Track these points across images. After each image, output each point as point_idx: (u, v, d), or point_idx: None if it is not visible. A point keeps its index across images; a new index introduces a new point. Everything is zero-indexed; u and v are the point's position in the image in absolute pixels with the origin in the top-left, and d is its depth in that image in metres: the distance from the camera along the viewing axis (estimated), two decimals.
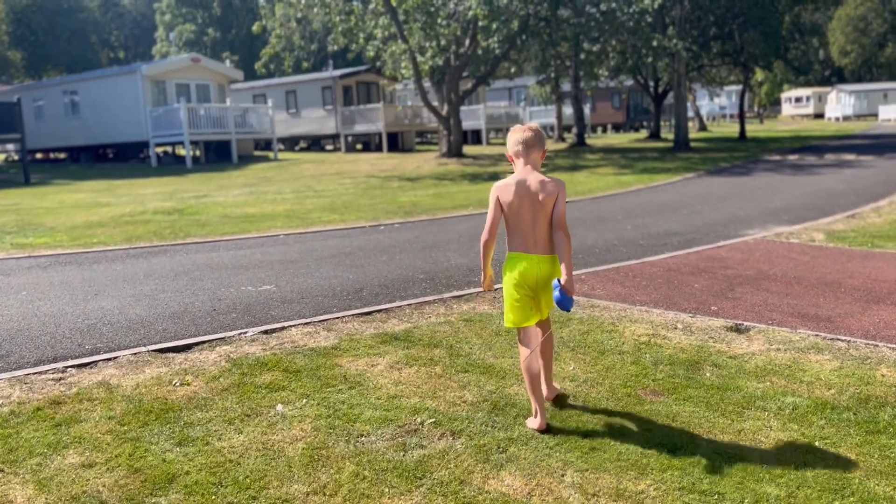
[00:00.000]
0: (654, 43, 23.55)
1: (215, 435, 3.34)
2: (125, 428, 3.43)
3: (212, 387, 3.94)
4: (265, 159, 26.83)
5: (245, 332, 4.93)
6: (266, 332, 4.95)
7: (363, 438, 3.29)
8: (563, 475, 2.94)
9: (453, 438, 3.28)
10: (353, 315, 5.33)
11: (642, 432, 3.32)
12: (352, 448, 3.19)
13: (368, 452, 3.14)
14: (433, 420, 3.47)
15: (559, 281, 3.29)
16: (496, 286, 3.99)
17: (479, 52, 23.47)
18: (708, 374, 4.05)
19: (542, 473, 2.95)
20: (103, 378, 4.10)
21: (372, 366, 4.24)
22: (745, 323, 4.92)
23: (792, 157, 21.29)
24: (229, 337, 4.84)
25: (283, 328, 5.03)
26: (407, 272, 6.88)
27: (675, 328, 4.90)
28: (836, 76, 77.62)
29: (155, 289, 6.40)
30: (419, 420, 3.47)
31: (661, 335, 4.75)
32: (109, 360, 4.42)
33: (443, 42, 21.68)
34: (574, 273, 6.55)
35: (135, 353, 4.52)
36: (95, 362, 4.38)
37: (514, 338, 4.68)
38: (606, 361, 4.27)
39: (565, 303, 3.24)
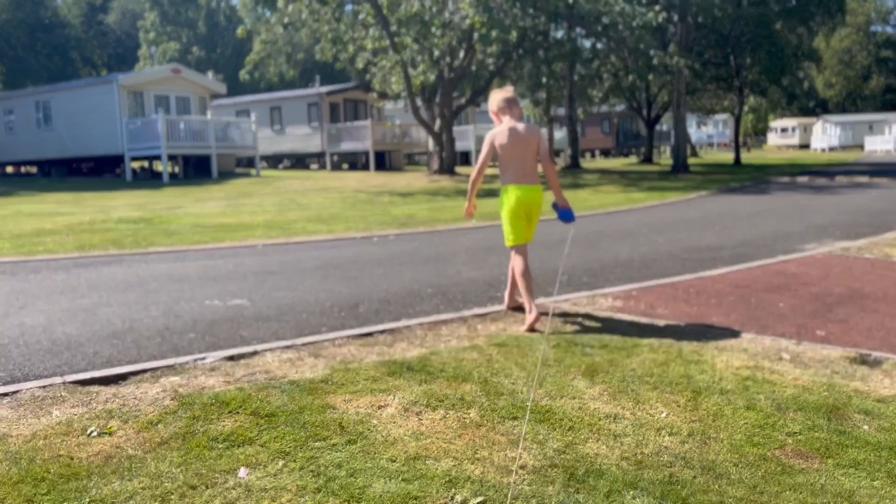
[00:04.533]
0: (655, 61, 22.66)
1: None
2: None
3: (145, 438, 2.66)
4: (247, 175, 25.52)
5: (203, 359, 3.65)
6: (231, 357, 3.68)
7: None
8: None
9: None
10: (348, 336, 4.06)
11: None
12: None
13: None
14: (481, 499, 2.23)
15: (555, 203, 4.24)
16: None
17: (474, 67, 22.42)
18: (865, 427, 2.82)
19: None
20: None
21: (379, 407, 2.97)
22: (873, 353, 3.71)
23: (802, 179, 20.32)
24: (181, 364, 3.56)
25: (254, 353, 3.75)
26: (411, 286, 5.63)
27: (781, 359, 3.68)
28: (820, 107, 77.83)
29: (97, 302, 5.10)
30: (458, 499, 2.23)
31: (766, 368, 3.53)
32: (5, 395, 3.13)
33: (436, 53, 20.60)
34: (621, 288, 5.39)
35: (44, 386, 3.23)
36: None
37: (569, 369, 3.46)
38: (708, 405, 3.03)
39: (566, 215, 4.18)
